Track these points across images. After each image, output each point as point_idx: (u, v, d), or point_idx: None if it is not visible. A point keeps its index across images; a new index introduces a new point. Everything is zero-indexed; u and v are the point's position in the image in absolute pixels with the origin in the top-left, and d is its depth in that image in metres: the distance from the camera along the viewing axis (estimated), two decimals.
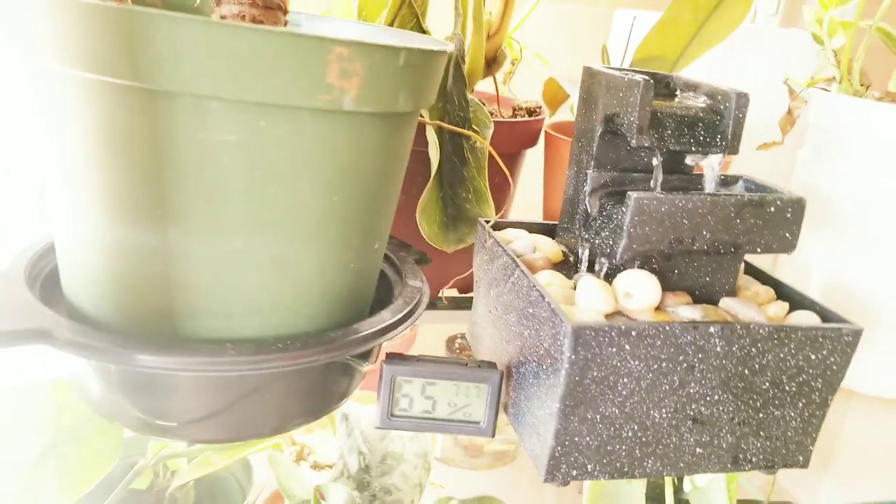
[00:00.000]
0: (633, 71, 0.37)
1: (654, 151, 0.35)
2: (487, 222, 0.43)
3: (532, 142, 0.52)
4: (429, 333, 0.64)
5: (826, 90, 0.49)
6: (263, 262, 0.30)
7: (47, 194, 0.33)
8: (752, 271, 0.40)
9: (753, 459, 0.35)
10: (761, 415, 0.34)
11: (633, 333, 0.31)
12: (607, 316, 0.33)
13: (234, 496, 0.53)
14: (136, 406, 0.33)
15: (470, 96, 0.47)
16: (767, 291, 0.37)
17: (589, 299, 0.33)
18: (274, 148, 0.28)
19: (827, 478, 0.47)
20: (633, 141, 0.34)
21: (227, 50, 0.26)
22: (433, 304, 0.55)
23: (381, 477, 0.44)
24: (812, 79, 0.52)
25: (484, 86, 0.59)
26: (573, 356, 0.31)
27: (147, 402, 0.33)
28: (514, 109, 0.55)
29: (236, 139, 0.28)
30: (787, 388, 0.34)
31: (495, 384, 0.36)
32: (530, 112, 0.55)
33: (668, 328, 0.31)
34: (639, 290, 0.33)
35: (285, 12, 0.34)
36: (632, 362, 0.31)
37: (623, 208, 0.33)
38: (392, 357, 0.37)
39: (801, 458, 0.36)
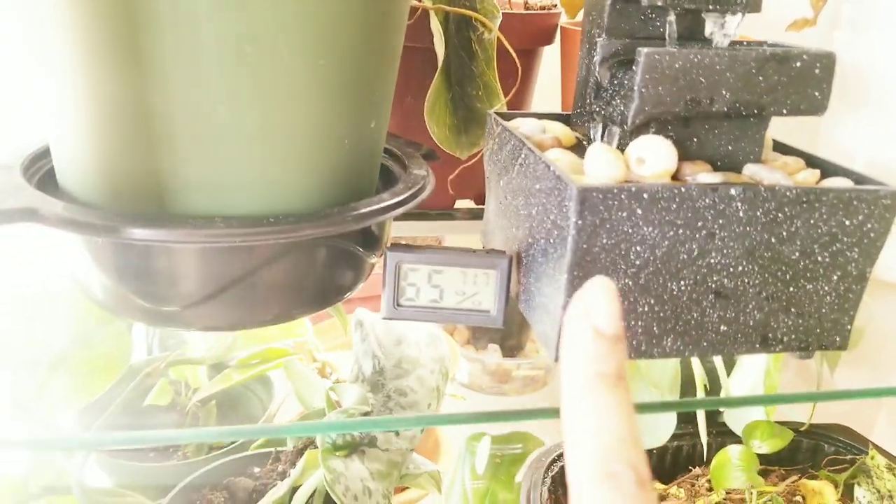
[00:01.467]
0: None
1: (668, 10, 0.33)
2: (496, 112, 0.41)
3: (547, 38, 0.49)
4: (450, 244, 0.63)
5: None
6: (249, 132, 0.29)
7: (34, 85, 0.32)
8: (782, 149, 0.37)
9: (785, 339, 0.33)
10: (791, 289, 0.32)
11: (645, 196, 0.29)
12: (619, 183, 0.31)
13: (255, 410, 0.53)
14: (136, 292, 0.32)
15: None
16: (797, 161, 0.34)
17: (597, 166, 0.31)
18: (250, 1, 0.27)
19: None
20: (645, 1, 0.32)
21: None
22: (450, 216, 0.53)
23: (395, 380, 0.43)
24: None
25: None
26: (579, 221, 0.29)
27: (145, 286, 0.32)
28: (527, 4, 0.52)
29: None
30: (819, 258, 0.31)
31: (504, 269, 0.35)
32: (545, 9, 0.52)
33: (683, 190, 0.29)
34: (652, 155, 0.31)
35: None
36: (645, 228, 0.29)
37: (634, 68, 0.30)
38: (397, 245, 0.35)
39: (837, 339, 0.33)
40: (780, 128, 0.36)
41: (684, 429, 0.61)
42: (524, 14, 0.47)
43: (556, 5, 0.53)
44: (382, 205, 0.33)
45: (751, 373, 0.50)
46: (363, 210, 0.32)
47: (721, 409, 0.57)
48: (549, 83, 0.59)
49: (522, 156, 0.34)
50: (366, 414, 0.39)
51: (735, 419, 0.57)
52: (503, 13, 0.45)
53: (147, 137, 0.28)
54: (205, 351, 0.49)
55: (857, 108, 0.45)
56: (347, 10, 0.29)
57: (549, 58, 0.56)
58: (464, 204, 0.55)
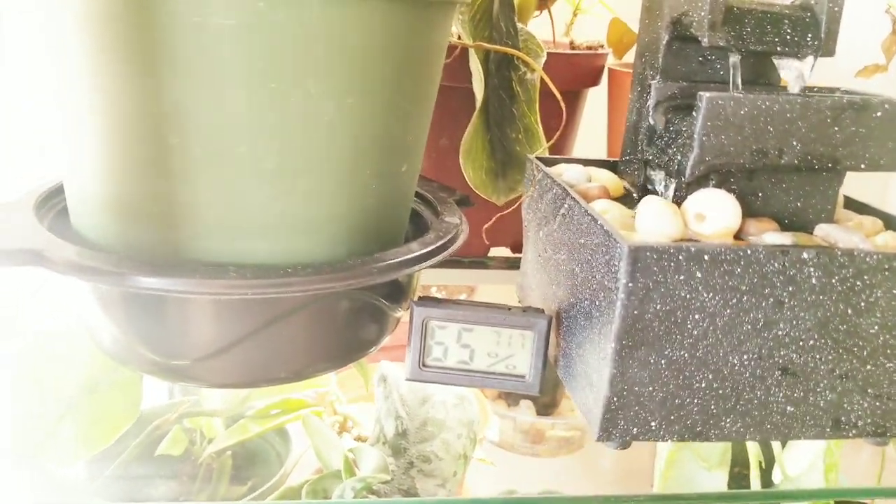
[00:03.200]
0: None
1: (731, 51, 0.30)
2: (538, 157, 0.38)
3: (594, 80, 0.47)
4: (483, 295, 0.59)
5: None
6: (271, 172, 0.26)
7: (52, 122, 0.30)
8: (855, 206, 0.34)
9: (859, 423, 0.29)
10: (869, 367, 0.28)
11: (706, 257, 0.25)
12: (675, 242, 0.28)
13: (272, 465, 0.50)
14: (144, 343, 0.30)
15: (520, 25, 0.42)
16: (875, 222, 0.31)
17: (651, 222, 0.28)
18: (275, 34, 0.25)
19: None
20: (706, 40, 0.29)
21: None
22: (483, 264, 0.50)
23: (419, 444, 0.39)
24: None
25: (539, 31, 0.54)
26: (630, 284, 0.25)
27: (154, 338, 0.29)
28: (573, 44, 0.50)
29: (234, 23, 0.24)
30: None
31: (542, 331, 0.31)
32: (592, 49, 0.49)
33: (749, 252, 0.26)
34: (713, 211, 0.27)
35: None
36: (704, 294, 0.26)
37: (694, 114, 0.27)
38: (425, 299, 0.33)
39: None
40: (847, 181, 0.33)
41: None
42: (571, 54, 0.44)
43: (602, 46, 0.50)
44: (410, 256, 0.30)
45: (809, 447, 0.45)
46: (389, 262, 0.29)
47: (775, 482, 0.52)
48: (592, 128, 0.56)
49: (566, 206, 0.32)
50: (386, 483, 0.36)
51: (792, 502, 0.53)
52: (548, 52, 0.43)
53: (163, 174, 0.26)
54: (220, 401, 0.46)
55: None
56: (379, 47, 0.27)
57: (594, 101, 0.54)
58: (499, 252, 0.52)
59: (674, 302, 0.26)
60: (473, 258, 0.49)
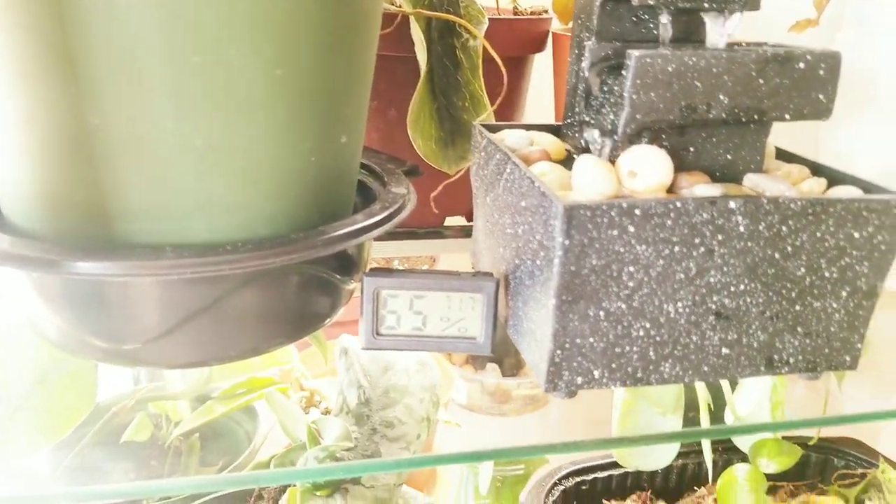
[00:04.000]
0: None
1: (661, 10, 0.30)
2: (483, 124, 0.38)
3: (538, 45, 0.47)
4: (443, 264, 0.60)
5: None
6: (200, 149, 0.26)
7: None
8: (785, 157, 0.35)
9: (791, 360, 0.30)
10: (798, 307, 0.29)
11: (638, 212, 0.26)
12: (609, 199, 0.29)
13: (240, 442, 0.50)
14: (90, 330, 0.30)
15: None
16: (802, 170, 0.32)
17: (586, 181, 0.29)
18: (193, 5, 0.24)
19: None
20: (636, 0, 0.30)
21: None
22: (439, 233, 0.51)
23: (382, 410, 0.40)
24: None
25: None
26: (566, 241, 0.26)
27: (98, 325, 0.29)
28: (516, 10, 0.50)
29: None
30: (826, 273, 0.29)
31: (490, 293, 0.32)
32: (535, 14, 0.50)
33: (679, 204, 0.27)
34: (645, 167, 0.28)
35: None
36: (638, 247, 0.27)
37: (624, 73, 0.28)
38: (376, 270, 0.33)
39: (847, 358, 0.31)
40: (778, 133, 0.34)
41: (689, 447, 0.59)
42: (512, 20, 0.45)
43: (546, 11, 0.51)
44: (355, 227, 0.30)
45: (755, 388, 0.47)
46: (333, 234, 0.29)
47: (727, 422, 0.54)
48: (542, 94, 0.57)
49: (507, 170, 0.32)
50: (349, 450, 0.37)
51: (741, 436, 0.55)
52: (490, 19, 0.43)
53: (87, 159, 0.26)
54: (182, 384, 0.47)
55: (860, 112, 0.43)
56: (306, 16, 0.27)
57: (543, 67, 0.54)
58: (455, 220, 0.53)
59: (609, 256, 0.27)
60: (429, 228, 0.50)
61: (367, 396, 0.41)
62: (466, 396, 0.65)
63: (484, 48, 0.41)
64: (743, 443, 0.55)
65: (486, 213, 0.37)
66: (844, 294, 0.29)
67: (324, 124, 0.29)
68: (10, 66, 0.25)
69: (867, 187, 0.30)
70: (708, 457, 0.51)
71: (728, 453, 0.58)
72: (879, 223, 0.28)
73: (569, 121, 0.36)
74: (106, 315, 0.29)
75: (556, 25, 0.53)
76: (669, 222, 0.27)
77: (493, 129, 0.39)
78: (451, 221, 0.52)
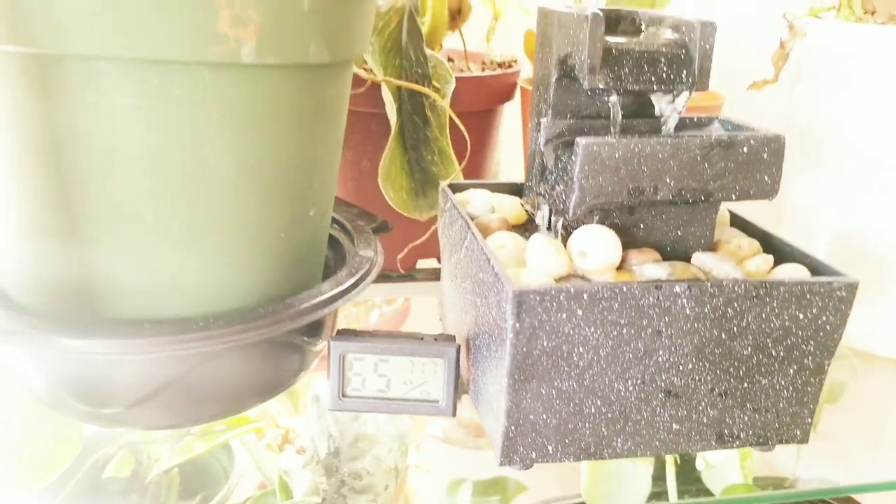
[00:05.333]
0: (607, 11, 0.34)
1: (610, 92, 0.31)
2: (449, 184, 0.39)
3: (507, 97, 0.48)
4: (423, 306, 0.61)
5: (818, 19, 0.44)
6: (177, 234, 0.28)
7: None
8: (741, 224, 0.36)
9: (742, 435, 0.31)
10: (746, 384, 0.30)
11: (585, 296, 0.27)
12: (561, 278, 0.30)
13: (218, 478, 0.51)
14: (73, 395, 0.31)
15: (430, 51, 0.44)
16: (752, 244, 0.33)
17: (539, 260, 0.30)
18: (171, 108, 0.26)
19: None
20: (586, 82, 0.31)
21: (106, 4, 0.24)
22: (412, 276, 0.52)
23: (351, 461, 0.41)
24: (811, 9, 0.47)
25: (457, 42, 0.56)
26: (517, 324, 0.27)
27: (81, 390, 0.31)
28: (484, 64, 0.51)
29: (130, 101, 0.25)
30: (773, 352, 0.30)
31: (451, 359, 0.33)
32: (503, 66, 0.51)
33: (625, 289, 0.28)
34: (594, 248, 0.29)
35: None
36: (587, 329, 0.28)
37: (573, 158, 0.29)
38: (342, 333, 0.34)
39: (797, 433, 0.32)
40: None
41: (660, 486, 0.59)
42: (480, 77, 0.46)
43: (516, 60, 0.52)
44: (322, 298, 0.31)
45: None
46: (300, 307, 0.30)
47: (699, 469, 0.55)
48: (516, 139, 0.58)
49: (468, 239, 0.33)
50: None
51: (713, 479, 0.56)
52: (457, 78, 0.44)
53: (74, 240, 0.27)
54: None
55: (817, 169, 0.44)
56: (275, 110, 0.28)
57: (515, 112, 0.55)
58: (428, 263, 0.54)
59: (559, 338, 0.28)
60: (403, 273, 0.51)
61: (336, 446, 0.42)
62: (442, 430, 0.66)
63: (451, 106, 0.42)
64: (714, 484, 0.56)
65: (450, 271, 0.38)
66: (792, 372, 0.30)
67: (293, 202, 0.30)
68: (5, 158, 0.27)
69: (815, 266, 0.31)
70: (672, 495, 0.52)
71: (700, 494, 0.59)
72: (823, 305, 0.29)
73: (529, 184, 0.37)
74: (87, 383, 0.30)
75: (526, 72, 0.54)
76: (617, 305, 0.28)
77: (458, 188, 0.40)
78: (423, 264, 0.53)
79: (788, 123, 0.46)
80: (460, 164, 0.44)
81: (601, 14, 0.30)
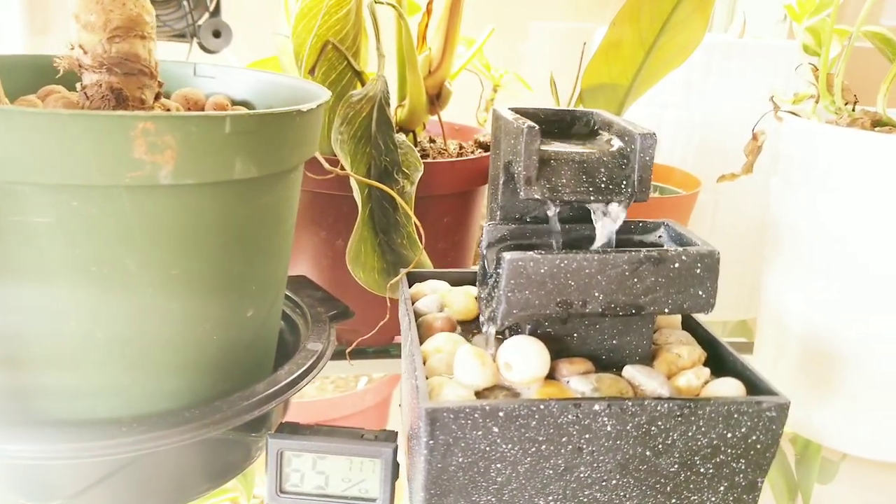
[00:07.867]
0: (566, 109, 0.34)
1: (547, 203, 0.32)
2: (410, 273, 0.40)
3: (481, 180, 0.49)
4: (393, 381, 0.61)
5: (795, 114, 0.43)
6: (100, 340, 0.29)
7: None
8: (692, 325, 0.36)
9: None
10: (674, 500, 0.30)
11: (501, 414, 0.27)
12: (486, 390, 0.30)
13: None
14: (16, 490, 0.32)
15: (402, 138, 0.45)
16: (692, 353, 0.32)
17: (464, 372, 0.30)
18: (91, 226, 0.27)
19: None
20: (522, 193, 0.31)
21: (22, 135, 0.25)
22: (387, 352, 0.52)
23: None
24: (796, 95, 0.47)
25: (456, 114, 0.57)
26: (431, 441, 0.27)
27: (23, 485, 0.32)
28: (462, 147, 0.52)
29: (51, 220, 0.27)
30: (702, 469, 0.29)
31: (388, 459, 0.33)
32: (485, 147, 0.51)
33: (543, 407, 0.28)
34: (520, 360, 0.29)
35: (153, 76, 0.33)
36: (504, 446, 0.28)
37: (499, 271, 0.29)
38: (282, 428, 0.35)
39: None
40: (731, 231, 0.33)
41: None
42: (453, 162, 0.46)
43: None
44: (252, 401, 0.32)
45: None
46: (227, 411, 0.31)
47: None
48: None
49: (409, 340, 0.34)
50: None
51: None
52: (430, 163, 0.45)
53: (5, 344, 0.29)
54: None
55: (790, 263, 0.43)
56: (201, 223, 0.29)
57: None
58: None
59: (475, 454, 0.28)
60: (377, 348, 0.52)
61: None
62: None
63: (410, 201, 0.43)
64: None
65: (403, 361, 0.38)
66: (722, 489, 0.30)
67: (224, 306, 0.31)
68: None
69: (752, 382, 0.30)
70: None
71: None
72: (752, 425, 0.29)
73: (479, 281, 0.37)
74: (28, 478, 0.31)
75: None
76: (534, 423, 0.28)
77: (419, 277, 0.40)
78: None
79: (765, 211, 0.46)
80: (419, 250, 0.45)
81: (536, 128, 0.30)
